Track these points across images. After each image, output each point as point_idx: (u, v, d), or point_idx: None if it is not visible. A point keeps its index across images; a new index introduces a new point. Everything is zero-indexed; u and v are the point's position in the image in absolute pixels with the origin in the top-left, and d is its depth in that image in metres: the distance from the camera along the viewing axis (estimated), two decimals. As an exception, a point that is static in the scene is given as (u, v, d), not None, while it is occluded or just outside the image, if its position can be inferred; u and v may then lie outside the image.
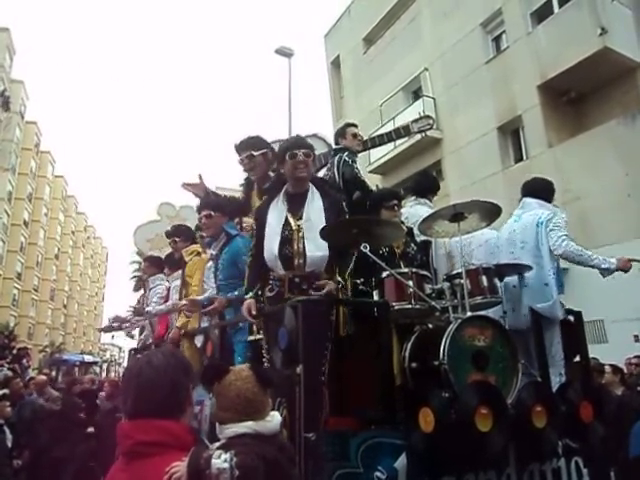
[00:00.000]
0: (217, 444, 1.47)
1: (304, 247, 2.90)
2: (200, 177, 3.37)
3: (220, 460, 1.31)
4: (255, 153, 3.73)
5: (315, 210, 2.98)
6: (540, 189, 3.87)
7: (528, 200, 3.82)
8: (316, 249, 2.90)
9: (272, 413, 1.59)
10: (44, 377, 8.05)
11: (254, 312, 2.92)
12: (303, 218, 2.96)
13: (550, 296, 3.39)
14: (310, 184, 3.08)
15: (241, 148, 3.79)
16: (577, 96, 11.96)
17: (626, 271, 3.40)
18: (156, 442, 1.31)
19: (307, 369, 2.46)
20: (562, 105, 12.08)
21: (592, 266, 3.39)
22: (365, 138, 4.71)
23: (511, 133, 13.19)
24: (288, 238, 2.93)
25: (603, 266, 3.35)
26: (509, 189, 11.16)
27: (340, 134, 4.32)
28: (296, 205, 3.01)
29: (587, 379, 3.52)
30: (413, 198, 4.34)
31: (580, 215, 10.00)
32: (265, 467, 1.38)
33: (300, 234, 2.93)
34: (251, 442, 1.46)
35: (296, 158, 2.98)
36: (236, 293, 3.56)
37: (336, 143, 4.33)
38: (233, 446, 1.40)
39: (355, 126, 4.42)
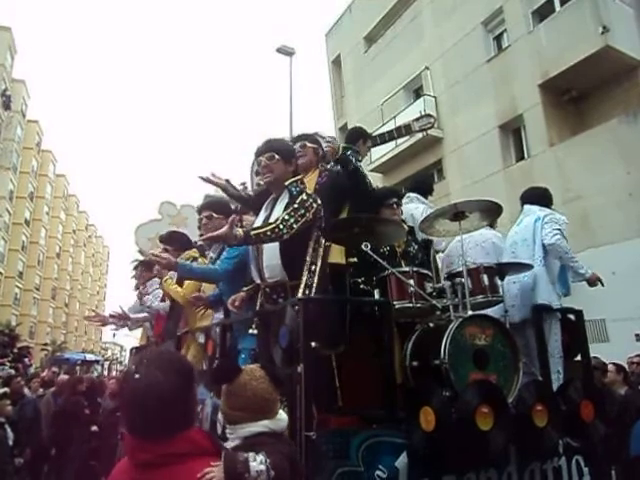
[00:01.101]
0: (232, 444, 1.47)
1: (262, 257, 2.93)
2: (213, 175, 3.39)
3: (257, 463, 1.32)
4: (308, 144, 3.59)
5: (274, 216, 2.92)
6: (539, 196, 4.04)
7: (528, 206, 3.99)
8: (270, 258, 2.89)
9: (280, 411, 1.59)
10: (66, 376, 8.11)
11: (237, 304, 2.96)
12: None
13: (543, 287, 3.53)
14: (285, 186, 3.00)
15: (294, 139, 3.69)
16: (578, 95, 11.93)
17: (590, 285, 3.72)
18: (176, 453, 1.26)
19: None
20: (563, 104, 12.05)
21: (571, 267, 3.65)
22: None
23: (512, 132, 13.16)
24: (258, 247, 2.95)
25: (580, 271, 3.63)
26: (510, 188, 11.16)
27: (358, 137, 4.27)
28: (270, 212, 3.02)
29: (588, 378, 3.51)
30: (406, 196, 4.37)
31: (581, 214, 9.99)
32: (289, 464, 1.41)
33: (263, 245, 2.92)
34: (270, 441, 1.46)
35: (260, 165, 3.01)
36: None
37: (347, 140, 4.30)
38: (256, 446, 1.40)
39: (371, 138, 4.45)
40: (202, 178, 3.36)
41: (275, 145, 3.07)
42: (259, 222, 3.05)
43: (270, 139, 3.14)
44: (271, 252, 2.88)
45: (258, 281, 2.99)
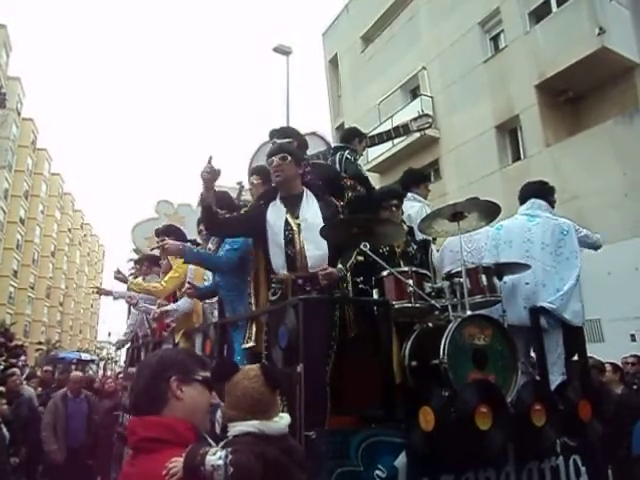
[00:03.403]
0: (222, 442, 1.48)
1: (304, 247, 2.94)
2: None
3: (215, 457, 1.31)
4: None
5: (311, 210, 3.05)
6: (545, 191, 3.94)
7: (538, 201, 3.85)
8: (316, 249, 2.94)
9: (281, 414, 1.58)
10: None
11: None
12: (300, 218, 3.02)
13: (568, 300, 3.45)
14: (304, 187, 3.15)
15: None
16: (575, 96, 11.98)
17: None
18: (157, 438, 1.33)
19: (308, 368, 2.46)
20: (560, 104, 12.09)
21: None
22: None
23: (509, 132, 13.20)
24: (290, 239, 2.98)
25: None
26: (507, 188, 11.18)
27: (354, 136, 4.29)
28: (293, 206, 3.09)
29: (586, 378, 3.53)
30: None
31: (577, 214, 9.98)
32: (264, 467, 1.37)
33: (301, 234, 2.98)
34: (252, 441, 1.45)
35: (272, 165, 3.10)
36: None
37: (343, 139, 4.32)
38: (233, 444, 1.40)
39: (366, 138, 4.48)
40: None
41: (288, 146, 3.21)
42: (280, 218, 3.07)
43: (282, 143, 3.29)
44: (318, 242, 2.94)
45: (285, 273, 2.99)
